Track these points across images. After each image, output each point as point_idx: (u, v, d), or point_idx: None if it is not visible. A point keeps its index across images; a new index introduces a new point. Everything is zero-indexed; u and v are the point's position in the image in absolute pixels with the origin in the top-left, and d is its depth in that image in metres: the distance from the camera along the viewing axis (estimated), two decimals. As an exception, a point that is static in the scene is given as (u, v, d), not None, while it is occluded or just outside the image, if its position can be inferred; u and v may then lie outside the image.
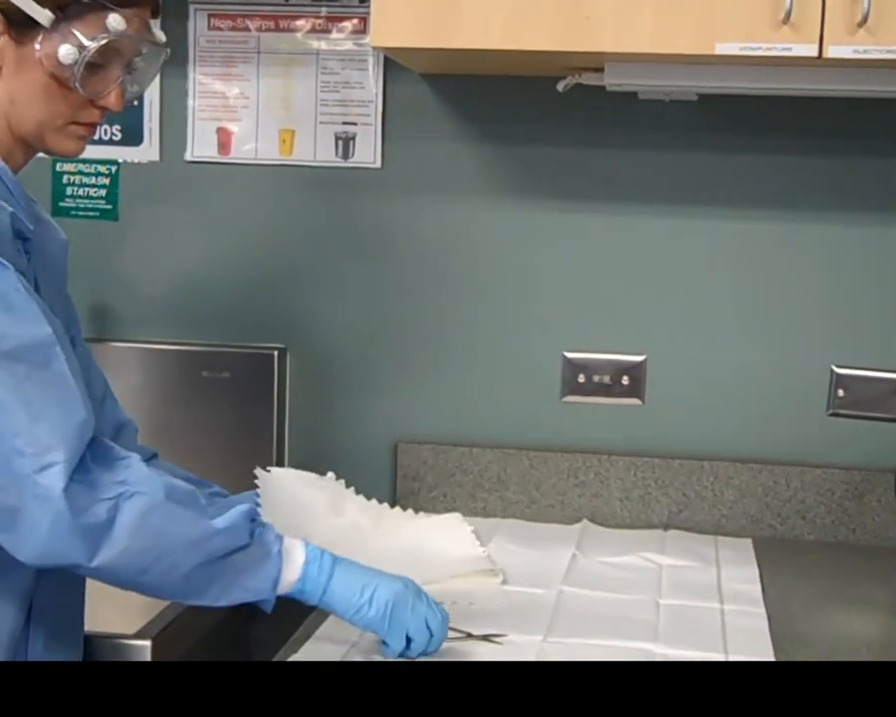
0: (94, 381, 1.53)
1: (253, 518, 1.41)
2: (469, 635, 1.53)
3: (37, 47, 1.34)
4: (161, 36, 1.45)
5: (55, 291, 1.46)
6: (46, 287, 1.42)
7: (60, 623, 1.45)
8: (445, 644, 1.47)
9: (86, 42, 1.34)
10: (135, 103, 2.11)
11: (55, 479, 1.24)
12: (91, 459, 1.29)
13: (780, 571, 1.88)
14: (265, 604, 1.40)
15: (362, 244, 2.15)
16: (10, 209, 1.32)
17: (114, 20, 1.35)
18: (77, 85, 1.35)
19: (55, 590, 1.42)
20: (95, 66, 1.35)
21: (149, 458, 1.59)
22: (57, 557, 1.28)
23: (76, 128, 1.41)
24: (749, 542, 2.01)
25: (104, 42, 1.35)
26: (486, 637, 1.54)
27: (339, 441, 2.17)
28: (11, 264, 1.29)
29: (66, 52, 1.33)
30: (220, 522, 1.35)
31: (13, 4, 1.32)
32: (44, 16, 1.33)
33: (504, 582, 1.76)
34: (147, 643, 1.56)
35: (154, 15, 1.43)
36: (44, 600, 1.41)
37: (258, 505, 1.59)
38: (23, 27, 1.34)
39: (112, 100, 1.40)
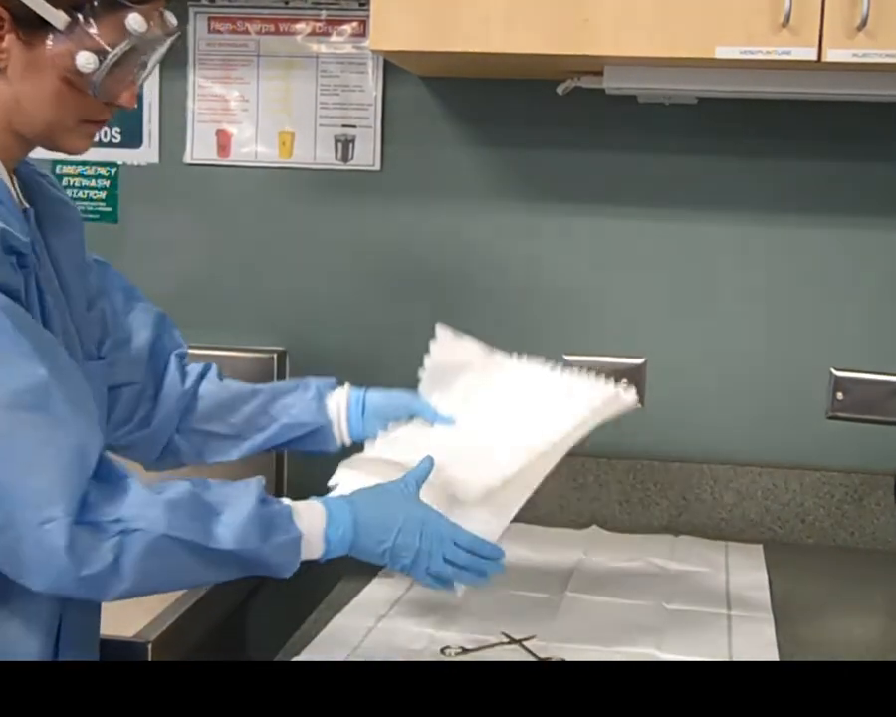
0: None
1: (262, 504, 1.31)
2: (510, 640, 1.54)
3: (48, 48, 1.24)
4: (173, 19, 1.33)
5: (76, 272, 1.42)
6: (67, 272, 1.39)
7: (85, 645, 1.41)
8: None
9: (106, 47, 1.24)
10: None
11: (56, 535, 1.17)
12: (93, 491, 1.22)
13: (778, 574, 1.87)
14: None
15: (362, 246, 2.15)
16: (1, 225, 1.23)
17: (135, 21, 1.25)
18: (95, 91, 1.26)
19: (80, 613, 1.36)
20: (112, 68, 1.26)
21: (203, 373, 1.62)
22: (68, 596, 1.24)
23: (87, 127, 1.32)
24: (759, 548, 2.00)
25: (127, 47, 1.25)
26: (520, 642, 1.54)
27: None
28: (3, 285, 1.21)
29: (85, 60, 1.24)
30: (227, 539, 1.27)
31: (22, 3, 1.22)
32: (57, 18, 1.22)
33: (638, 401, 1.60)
34: (147, 644, 1.56)
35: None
36: (70, 624, 1.36)
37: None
38: (32, 28, 1.23)
39: (126, 98, 1.32)
